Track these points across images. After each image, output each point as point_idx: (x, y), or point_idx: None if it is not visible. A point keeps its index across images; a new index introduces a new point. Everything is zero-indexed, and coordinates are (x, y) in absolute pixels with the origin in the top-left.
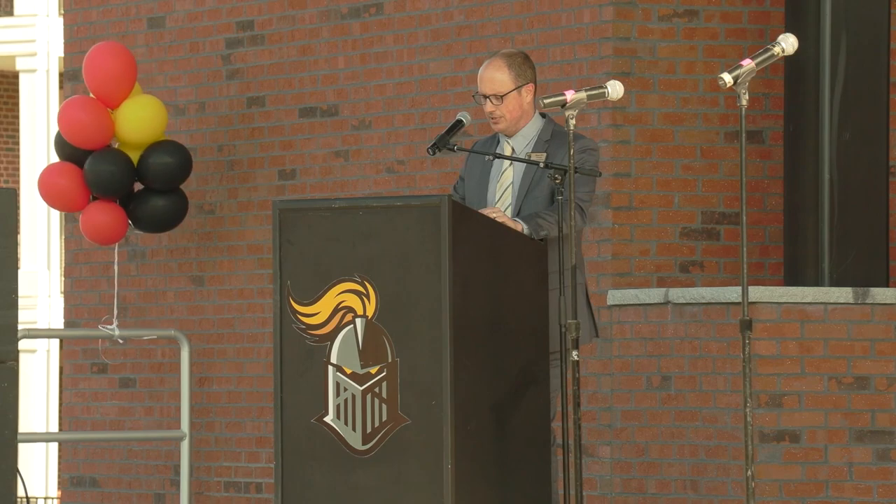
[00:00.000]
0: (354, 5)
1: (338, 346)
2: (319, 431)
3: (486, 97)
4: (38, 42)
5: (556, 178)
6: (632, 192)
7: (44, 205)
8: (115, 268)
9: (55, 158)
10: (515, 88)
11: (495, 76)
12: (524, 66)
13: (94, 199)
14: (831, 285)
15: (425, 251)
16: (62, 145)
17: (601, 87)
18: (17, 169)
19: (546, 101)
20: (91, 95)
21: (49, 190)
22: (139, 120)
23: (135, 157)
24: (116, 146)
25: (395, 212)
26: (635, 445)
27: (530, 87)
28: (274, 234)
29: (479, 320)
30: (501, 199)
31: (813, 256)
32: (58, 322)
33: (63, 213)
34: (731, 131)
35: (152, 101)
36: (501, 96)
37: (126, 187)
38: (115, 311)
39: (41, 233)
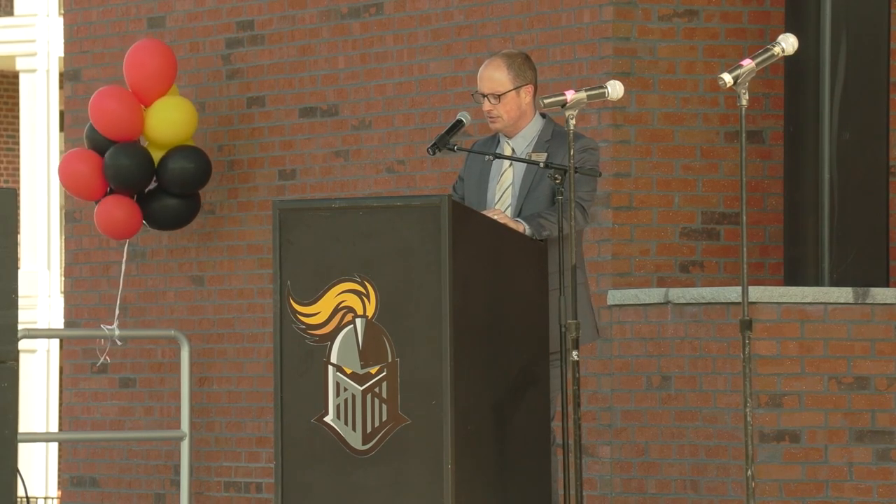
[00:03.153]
0: (354, 5)
1: (338, 346)
2: (319, 431)
3: (484, 96)
4: (38, 42)
5: (556, 178)
6: (632, 192)
7: (44, 205)
8: (123, 267)
9: (56, 158)
10: (514, 89)
11: (494, 75)
12: (524, 66)
13: (111, 192)
14: (831, 285)
15: (425, 251)
16: (93, 135)
17: (601, 87)
18: (17, 169)
19: (546, 101)
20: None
21: (68, 175)
22: (167, 121)
23: (158, 156)
24: (145, 143)
25: (395, 212)
26: (635, 445)
27: (529, 88)
28: (274, 234)
29: (479, 320)
30: (501, 199)
31: (813, 256)
32: (58, 322)
33: (64, 212)
34: (731, 131)
35: (183, 102)
36: (499, 95)
37: (142, 184)
38: (117, 311)
39: (41, 233)
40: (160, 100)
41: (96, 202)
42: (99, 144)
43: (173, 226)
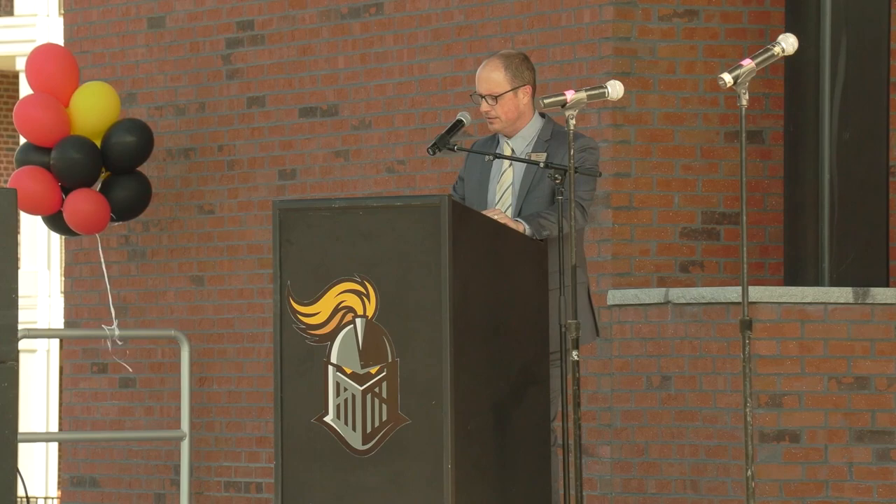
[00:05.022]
0: (354, 5)
1: (338, 346)
2: (319, 431)
3: (482, 97)
4: (38, 42)
5: (556, 178)
6: (632, 192)
7: None
8: (103, 268)
9: None
10: (511, 90)
11: (491, 76)
12: (522, 67)
13: (67, 190)
14: (831, 285)
15: (425, 251)
16: (24, 155)
17: (601, 87)
18: None
19: (546, 101)
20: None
21: (20, 195)
22: (94, 107)
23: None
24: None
25: (395, 212)
26: (635, 445)
27: (527, 88)
28: (274, 234)
29: (479, 320)
30: (501, 199)
31: (813, 256)
32: (58, 322)
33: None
34: (731, 131)
35: (102, 86)
36: (496, 97)
37: (94, 173)
38: (113, 312)
39: (41, 233)
40: (77, 92)
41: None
42: (32, 157)
43: (131, 213)
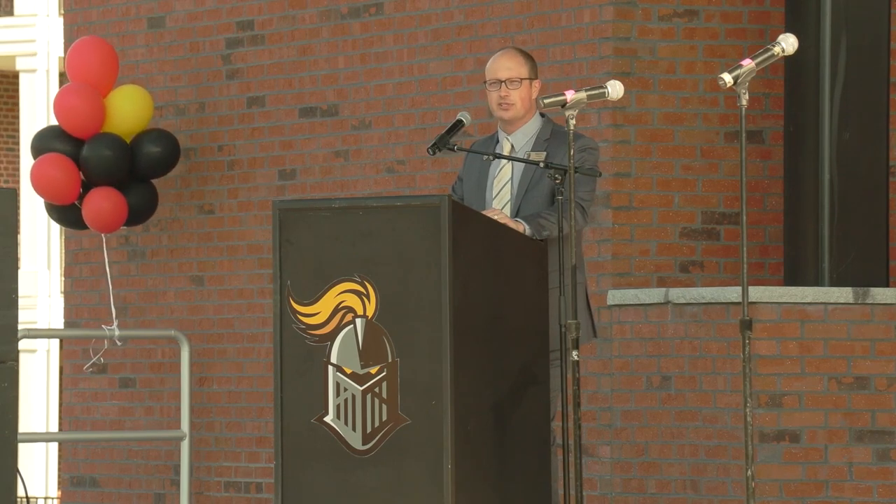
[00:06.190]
0: (354, 5)
1: (338, 346)
2: (319, 431)
3: (500, 82)
4: (38, 42)
5: (556, 178)
6: (632, 192)
7: (44, 205)
8: (107, 268)
9: None
10: (529, 78)
11: (511, 64)
12: (534, 62)
13: (88, 186)
14: (831, 285)
15: (425, 251)
16: (43, 143)
17: (601, 87)
18: (17, 169)
19: (546, 101)
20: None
21: (41, 181)
22: (128, 110)
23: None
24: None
25: (395, 212)
26: (635, 445)
27: (538, 83)
28: (274, 234)
29: (479, 320)
30: (499, 195)
31: (813, 256)
32: (58, 322)
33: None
34: (731, 131)
35: (139, 91)
36: (519, 80)
37: (122, 174)
38: (114, 312)
39: (41, 233)
40: (115, 91)
41: (74, 203)
42: (57, 145)
43: (137, 219)
